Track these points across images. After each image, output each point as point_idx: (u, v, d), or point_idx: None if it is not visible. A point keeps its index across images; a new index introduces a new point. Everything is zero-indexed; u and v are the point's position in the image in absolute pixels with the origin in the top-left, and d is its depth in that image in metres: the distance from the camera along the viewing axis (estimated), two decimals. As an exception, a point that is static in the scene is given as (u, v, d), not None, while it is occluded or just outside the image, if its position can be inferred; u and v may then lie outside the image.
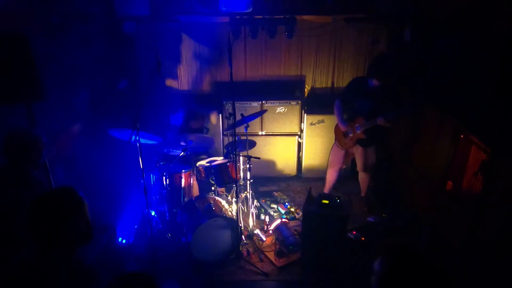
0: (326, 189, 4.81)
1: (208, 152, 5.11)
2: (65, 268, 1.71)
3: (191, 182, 4.49)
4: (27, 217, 1.66)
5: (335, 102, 4.46)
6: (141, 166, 3.53)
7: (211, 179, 4.34)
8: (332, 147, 4.73)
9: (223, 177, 4.22)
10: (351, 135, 4.33)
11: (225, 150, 4.86)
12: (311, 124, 5.30)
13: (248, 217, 4.44)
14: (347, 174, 5.50)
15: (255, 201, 4.67)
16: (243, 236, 4.10)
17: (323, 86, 5.68)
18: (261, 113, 4.77)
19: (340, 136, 4.50)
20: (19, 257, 1.72)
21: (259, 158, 4.43)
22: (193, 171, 4.50)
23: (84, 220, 1.78)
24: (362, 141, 4.31)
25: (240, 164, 4.42)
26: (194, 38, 5.44)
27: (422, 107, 4.22)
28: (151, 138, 4.04)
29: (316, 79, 5.65)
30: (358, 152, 4.46)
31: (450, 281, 1.41)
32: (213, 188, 4.37)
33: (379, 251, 1.54)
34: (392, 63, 4.17)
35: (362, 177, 4.67)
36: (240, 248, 4.00)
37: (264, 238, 4.20)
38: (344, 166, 4.69)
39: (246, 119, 4.23)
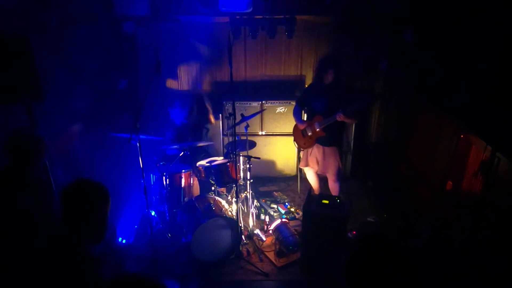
0: (315, 191, 4.77)
1: (208, 151, 5.11)
2: (74, 254, 1.75)
3: (191, 182, 4.49)
4: (63, 192, 1.80)
5: (294, 106, 4.56)
6: (141, 166, 3.53)
7: (211, 179, 4.34)
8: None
9: (223, 177, 4.21)
10: (310, 134, 4.30)
11: (225, 150, 4.86)
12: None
13: (248, 217, 4.44)
14: (347, 175, 5.51)
15: (255, 201, 4.67)
16: (243, 236, 4.10)
17: (323, 86, 5.68)
18: (258, 112, 4.83)
19: (298, 137, 4.49)
20: (31, 247, 1.78)
21: (259, 158, 4.43)
22: (193, 171, 4.50)
23: (101, 218, 1.87)
24: (322, 139, 4.27)
25: (240, 164, 4.42)
26: (194, 38, 5.44)
27: (378, 97, 4.26)
28: (151, 137, 4.06)
29: (316, 79, 5.65)
30: (319, 153, 4.37)
31: (416, 269, 1.33)
32: (213, 188, 4.37)
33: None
34: (338, 61, 4.18)
35: (332, 186, 4.46)
36: (240, 248, 4.00)
37: (264, 238, 4.20)
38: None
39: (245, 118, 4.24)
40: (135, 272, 1.58)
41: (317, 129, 4.21)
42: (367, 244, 1.37)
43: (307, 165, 4.55)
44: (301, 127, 4.39)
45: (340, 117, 3.98)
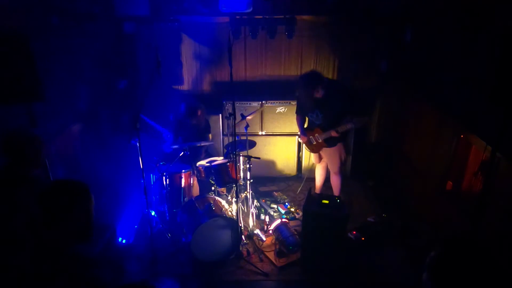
0: (316, 189, 4.83)
1: (208, 151, 5.11)
2: (65, 257, 1.73)
3: (191, 182, 4.49)
4: (40, 196, 1.74)
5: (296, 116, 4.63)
6: (141, 166, 3.53)
7: (211, 179, 4.34)
8: None
9: (223, 177, 4.21)
10: (315, 143, 4.43)
11: (225, 150, 4.86)
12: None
13: (248, 217, 4.44)
14: (347, 174, 5.51)
15: (255, 201, 4.67)
16: (243, 236, 4.09)
17: (323, 86, 5.68)
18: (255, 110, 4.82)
19: (307, 142, 4.58)
20: (21, 254, 1.74)
21: (259, 158, 4.43)
22: (193, 171, 4.50)
23: (85, 216, 1.79)
24: (327, 145, 4.39)
25: (240, 164, 4.42)
26: (194, 38, 5.44)
27: (368, 116, 4.36)
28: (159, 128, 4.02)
29: (316, 79, 5.63)
30: (325, 155, 4.54)
31: (505, 271, 1.35)
32: (213, 188, 4.37)
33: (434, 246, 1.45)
34: (321, 76, 4.13)
35: (333, 179, 4.61)
36: (240, 248, 4.00)
37: (264, 238, 4.20)
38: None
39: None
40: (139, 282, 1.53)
41: (319, 141, 4.34)
42: (456, 248, 1.38)
43: (321, 159, 4.68)
44: (304, 139, 4.52)
45: (334, 134, 4.11)
